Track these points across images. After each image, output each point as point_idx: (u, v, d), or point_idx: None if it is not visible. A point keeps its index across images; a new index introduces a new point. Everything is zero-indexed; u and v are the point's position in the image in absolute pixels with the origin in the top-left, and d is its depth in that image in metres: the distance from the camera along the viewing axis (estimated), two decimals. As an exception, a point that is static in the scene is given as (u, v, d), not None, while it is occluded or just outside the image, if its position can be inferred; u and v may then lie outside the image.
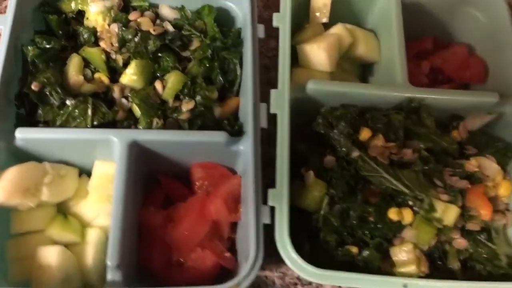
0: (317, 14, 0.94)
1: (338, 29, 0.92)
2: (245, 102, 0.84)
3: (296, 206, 0.78)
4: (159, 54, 0.87)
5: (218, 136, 0.77)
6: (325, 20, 0.94)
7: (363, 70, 1.00)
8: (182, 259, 0.79)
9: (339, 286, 0.84)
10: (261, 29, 0.86)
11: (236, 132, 0.82)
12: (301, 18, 0.95)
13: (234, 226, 0.83)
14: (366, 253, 0.74)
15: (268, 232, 0.72)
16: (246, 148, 0.77)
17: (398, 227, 0.76)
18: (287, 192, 0.73)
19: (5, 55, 0.79)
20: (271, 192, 0.74)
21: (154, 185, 0.87)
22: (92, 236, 0.78)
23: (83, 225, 0.81)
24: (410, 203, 0.77)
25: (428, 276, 0.73)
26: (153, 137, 0.77)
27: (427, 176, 0.77)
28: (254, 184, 0.73)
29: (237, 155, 0.81)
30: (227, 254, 0.80)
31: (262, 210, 0.73)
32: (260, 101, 0.80)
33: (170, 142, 0.78)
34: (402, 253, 0.74)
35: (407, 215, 0.76)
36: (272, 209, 0.73)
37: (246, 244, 0.73)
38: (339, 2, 0.95)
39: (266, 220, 0.72)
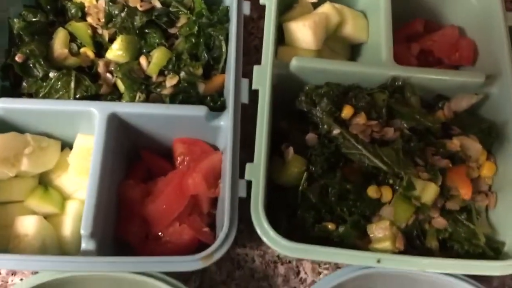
0: None
1: (326, 8, 0.91)
2: (229, 78, 0.83)
3: (276, 184, 0.78)
4: (146, 30, 0.88)
5: (198, 110, 0.77)
6: None
7: (353, 51, 0.99)
8: (159, 233, 0.79)
9: (319, 264, 0.85)
10: (246, 6, 0.85)
11: (218, 108, 0.82)
12: None
13: (215, 202, 0.83)
14: (341, 229, 0.73)
15: (248, 210, 0.72)
16: (226, 123, 0.77)
17: (377, 205, 0.76)
18: (264, 166, 0.72)
19: (-9, 27, 0.79)
20: (248, 166, 0.73)
21: (137, 160, 0.87)
22: (71, 208, 0.79)
23: (64, 198, 0.81)
24: (391, 181, 0.76)
25: (403, 253, 0.72)
26: (133, 109, 0.77)
27: (409, 154, 0.76)
28: (231, 158, 0.73)
29: (218, 131, 0.80)
30: (206, 229, 0.80)
31: (238, 184, 0.72)
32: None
33: (150, 115, 0.78)
34: (378, 230, 0.73)
35: (386, 193, 0.75)
36: (250, 184, 0.73)
37: (223, 218, 0.72)
38: None
39: (242, 193, 0.72)
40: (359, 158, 0.76)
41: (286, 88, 0.82)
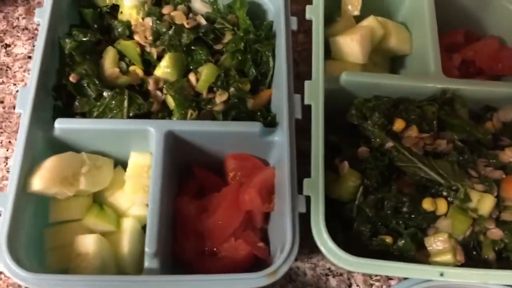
0: (349, 7, 0.94)
1: (370, 21, 0.92)
2: (278, 93, 0.84)
3: (328, 196, 0.79)
4: (192, 47, 0.88)
5: (253, 127, 0.78)
6: (356, 13, 0.94)
7: (393, 63, 1.00)
8: (215, 249, 0.80)
9: (370, 276, 0.85)
10: (294, 22, 0.86)
11: (269, 123, 0.83)
12: (332, 11, 0.96)
13: (266, 216, 0.84)
14: (401, 242, 0.74)
15: (300, 224, 0.72)
16: (280, 138, 0.78)
17: (432, 217, 0.76)
18: (322, 181, 0.73)
19: (43, 48, 0.80)
20: (306, 181, 0.74)
21: (188, 175, 0.87)
22: (127, 226, 0.79)
23: (118, 215, 0.82)
24: (444, 193, 0.77)
25: (463, 265, 0.73)
26: (189, 127, 0.78)
27: (462, 166, 0.78)
28: (289, 174, 0.74)
29: (270, 146, 0.81)
30: (261, 244, 0.80)
31: (297, 199, 0.73)
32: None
33: (205, 132, 0.79)
34: (437, 243, 0.74)
35: (441, 205, 0.76)
36: (307, 199, 0.74)
37: (281, 234, 0.73)
38: None
39: (302, 209, 0.72)
40: (413, 171, 0.77)
41: (334, 101, 0.83)
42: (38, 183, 0.72)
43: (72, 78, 0.80)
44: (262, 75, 0.89)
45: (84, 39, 0.86)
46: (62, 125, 0.77)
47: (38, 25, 0.97)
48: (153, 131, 0.76)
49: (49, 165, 0.74)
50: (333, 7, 0.95)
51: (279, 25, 0.87)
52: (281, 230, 0.73)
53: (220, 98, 0.84)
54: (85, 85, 0.81)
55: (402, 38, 0.93)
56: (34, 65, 0.79)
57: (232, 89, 0.85)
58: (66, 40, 0.84)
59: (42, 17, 0.83)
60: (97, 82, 0.81)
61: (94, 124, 0.78)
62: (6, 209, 0.69)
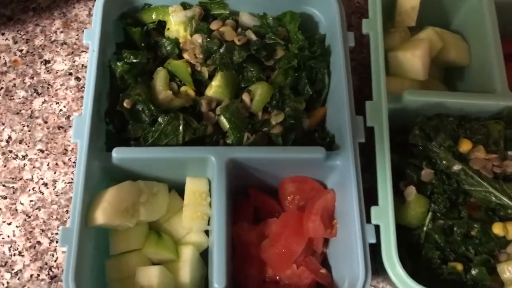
0: (405, 17, 0.90)
1: (428, 33, 0.88)
2: (335, 112, 0.82)
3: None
4: (244, 64, 0.85)
5: (317, 152, 0.75)
6: (412, 24, 0.91)
7: (447, 73, 0.97)
8: (277, 277, 0.78)
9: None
10: (351, 37, 0.83)
11: (327, 144, 0.80)
12: (384, 21, 0.91)
13: (326, 240, 0.82)
14: (475, 271, 0.72)
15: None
16: (343, 163, 0.76)
17: (503, 242, 0.74)
18: (392, 209, 0.71)
19: (96, 71, 0.77)
20: (374, 209, 0.72)
21: (240, 198, 0.85)
22: (188, 254, 0.78)
23: (174, 241, 0.80)
24: None
25: None
26: (251, 154, 0.75)
27: None
28: (357, 202, 0.72)
29: (330, 169, 0.79)
30: (323, 271, 0.78)
31: (367, 229, 0.71)
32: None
33: (266, 158, 0.76)
34: (511, 270, 0.72)
35: None
36: (376, 227, 0.71)
37: (349, 264, 0.71)
38: (426, 4, 0.91)
39: (372, 239, 0.70)
40: (484, 196, 0.75)
41: (394, 120, 0.80)
42: (101, 217, 0.70)
43: (126, 104, 0.78)
44: (316, 93, 0.86)
45: (135, 60, 0.83)
46: (119, 155, 0.74)
47: (77, 39, 0.96)
48: (214, 160, 0.74)
49: (110, 197, 0.72)
50: (385, 18, 0.90)
51: (335, 40, 0.83)
52: (349, 260, 0.72)
53: (276, 119, 0.81)
54: (140, 110, 0.78)
55: (461, 50, 0.90)
56: (88, 92, 0.76)
57: (287, 109, 0.82)
58: (117, 63, 0.81)
59: (91, 40, 0.80)
60: (152, 107, 0.78)
61: (153, 153, 0.75)
62: (71, 245, 0.68)
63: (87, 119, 0.74)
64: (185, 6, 0.89)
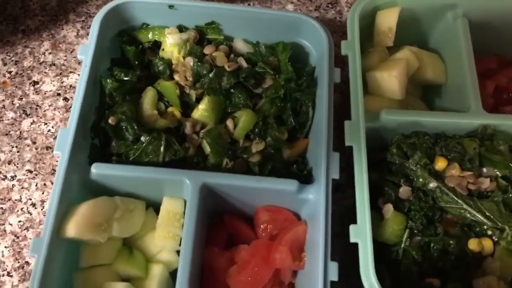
0: (382, 38, 0.92)
1: (404, 53, 0.90)
2: (315, 145, 0.83)
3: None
4: (232, 90, 0.87)
5: (289, 185, 0.76)
6: (390, 44, 0.92)
7: (425, 91, 0.99)
8: (243, 303, 0.79)
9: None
10: (337, 74, 0.84)
11: (304, 177, 0.81)
12: (364, 42, 0.93)
13: (294, 271, 0.83)
14: (451, 286, 0.72)
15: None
16: (315, 197, 0.77)
17: (479, 258, 0.75)
18: (369, 227, 0.72)
19: (85, 87, 0.80)
20: (353, 228, 0.73)
21: (215, 221, 0.87)
22: (156, 273, 0.79)
23: (146, 258, 0.82)
24: (489, 232, 0.76)
25: None
26: (225, 181, 0.77)
27: (506, 205, 0.76)
28: (324, 239, 0.72)
29: (304, 201, 0.80)
30: (288, 302, 0.79)
31: (330, 266, 0.72)
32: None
33: (240, 186, 0.77)
34: (487, 286, 0.72)
35: (488, 246, 0.75)
36: (354, 245, 0.73)
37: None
38: (403, 24, 0.92)
39: (334, 277, 0.71)
40: (459, 213, 0.76)
41: (372, 138, 0.81)
42: (73, 230, 0.72)
43: (111, 121, 0.80)
44: (300, 124, 0.87)
45: (125, 78, 0.85)
46: (98, 171, 0.77)
47: (65, 60, 0.99)
48: (188, 183, 0.76)
49: (84, 211, 0.74)
50: (364, 38, 0.92)
51: (321, 74, 0.85)
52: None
53: (257, 147, 0.83)
54: (124, 128, 0.81)
55: (437, 69, 0.92)
56: (75, 106, 0.79)
57: (269, 138, 0.84)
58: (108, 80, 0.84)
59: (85, 55, 0.83)
60: (135, 126, 0.80)
61: (130, 171, 0.77)
62: (40, 254, 0.70)
63: (70, 132, 0.76)
64: (181, 29, 0.92)
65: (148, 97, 0.85)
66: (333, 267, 0.72)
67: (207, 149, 0.83)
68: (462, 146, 0.81)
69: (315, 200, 0.77)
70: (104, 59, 0.88)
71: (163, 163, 0.80)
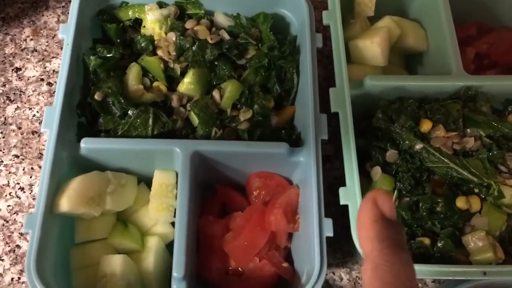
0: (363, 8, 0.94)
1: (386, 22, 0.92)
2: (302, 111, 0.84)
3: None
4: (216, 63, 0.88)
5: (279, 147, 0.77)
6: (370, 13, 0.95)
7: (408, 60, 1.00)
8: (240, 269, 0.80)
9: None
10: (319, 39, 0.85)
11: (294, 141, 0.82)
12: (345, 14, 0.95)
13: (290, 235, 0.83)
14: (441, 243, 0.74)
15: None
16: (306, 159, 0.77)
17: (467, 215, 0.77)
18: (359, 189, 0.73)
19: (69, 65, 0.80)
20: (342, 190, 0.74)
21: (209, 194, 0.87)
22: (153, 245, 0.79)
23: (142, 233, 0.82)
24: (476, 190, 0.78)
25: (503, 262, 0.73)
26: (215, 147, 0.77)
27: (491, 162, 0.78)
28: (317, 197, 0.73)
29: (294, 165, 0.80)
30: (285, 264, 0.80)
31: (324, 223, 0.72)
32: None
33: (231, 152, 0.78)
34: (475, 241, 0.74)
35: (475, 203, 0.76)
36: (343, 208, 0.74)
37: (307, 257, 0.73)
38: None
39: (329, 233, 0.72)
40: (446, 172, 0.77)
41: (358, 106, 0.83)
42: (65, 204, 0.72)
43: (97, 97, 0.80)
44: (285, 91, 0.88)
45: (108, 55, 0.85)
46: (88, 145, 0.76)
47: (47, 45, 0.98)
48: (179, 152, 0.76)
49: (76, 185, 0.74)
50: (346, 10, 0.94)
51: (303, 41, 0.86)
52: (307, 253, 0.73)
53: (245, 115, 0.83)
54: (110, 103, 0.80)
55: (418, 37, 0.94)
56: (60, 84, 0.78)
57: (256, 106, 0.84)
58: (91, 57, 0.83)
59: (66, 34, 0.83)
60: (122, 100, 0.80)
61: (120, 144, 0.77)
62: (35, 230, 0.69)
63: (57, 110, 0.76)
64: (161, 5, 0.92)
65: (133, 73, 0.85)
66: (328, 223, 0.72)
67: (195, 120, 0.83)
68: (446, 109, 0.82)
69: (305, 162, 0.78)
70: (86, 39, 0.88)
71: (152, 136, 0.81)
